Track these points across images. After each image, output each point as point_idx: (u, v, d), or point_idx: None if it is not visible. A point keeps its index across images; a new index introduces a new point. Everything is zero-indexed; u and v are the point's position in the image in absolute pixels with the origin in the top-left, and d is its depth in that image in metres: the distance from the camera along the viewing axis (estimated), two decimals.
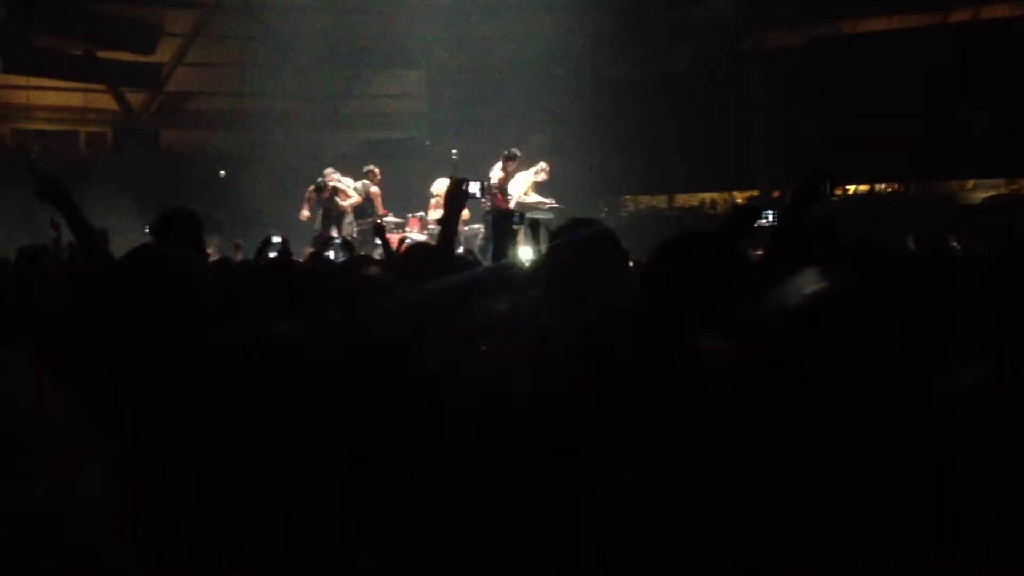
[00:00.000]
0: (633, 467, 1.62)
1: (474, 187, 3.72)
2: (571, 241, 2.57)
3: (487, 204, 10.42)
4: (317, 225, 11.82)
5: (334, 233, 11.45)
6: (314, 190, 11.80)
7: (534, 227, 4.86)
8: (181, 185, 12.63)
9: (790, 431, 1.42)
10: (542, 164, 10.92)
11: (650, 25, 14.39)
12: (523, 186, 10.94)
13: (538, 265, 3.32)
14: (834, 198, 13.20)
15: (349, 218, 11.95)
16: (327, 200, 11.72)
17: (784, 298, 1.42)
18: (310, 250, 9.81)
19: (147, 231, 3.86)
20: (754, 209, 3.45)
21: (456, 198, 3.45)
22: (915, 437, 1.42)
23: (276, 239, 5.04)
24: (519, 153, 10.72)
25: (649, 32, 14.48)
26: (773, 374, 1.43)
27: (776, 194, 13.32)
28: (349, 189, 11.92)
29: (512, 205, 10.53)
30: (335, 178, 11.82)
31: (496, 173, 10.75)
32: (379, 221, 11.74)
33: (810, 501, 1.40)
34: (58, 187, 3.25)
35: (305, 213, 11.94)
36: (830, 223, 2.97)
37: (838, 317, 1.36)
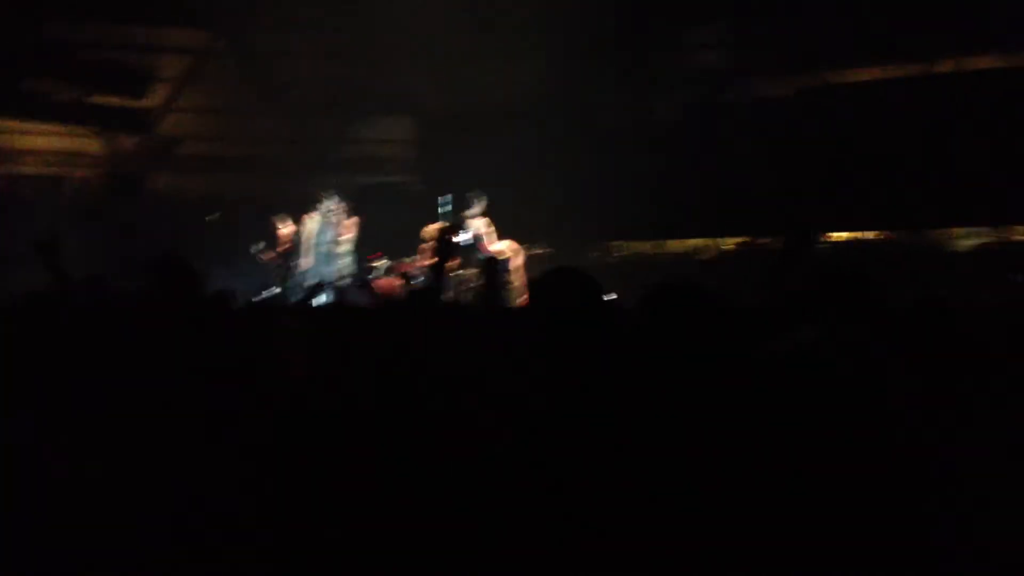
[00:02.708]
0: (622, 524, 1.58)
1: (463, 235, 3.72)
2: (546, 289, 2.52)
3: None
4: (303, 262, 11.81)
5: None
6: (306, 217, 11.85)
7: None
8: (170, 229, 12.59)
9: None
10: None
11: (638, 73, 14.54)
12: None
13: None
14: (820, 244, 13.22)
15: (348, 258, 12.01)
16: (334, 227, 11.78)
17: (782, 349, 1.40)
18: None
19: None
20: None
21: (445, 245, 3.45)
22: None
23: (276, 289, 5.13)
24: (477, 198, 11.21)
25: (637, 80, 14.62)
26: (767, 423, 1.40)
27: (764, 241, 13.36)
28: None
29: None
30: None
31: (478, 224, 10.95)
32: (369, 264, 11.80)
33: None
34: (54, 250, 3.41)
35: (271, 255, 12.01)
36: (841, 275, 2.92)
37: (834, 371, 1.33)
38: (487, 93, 15.60)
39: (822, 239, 12.87)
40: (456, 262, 10.79)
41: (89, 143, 16.44)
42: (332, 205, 11.93)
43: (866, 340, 1.31)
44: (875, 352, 1.31)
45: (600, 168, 13.77)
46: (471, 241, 10.69)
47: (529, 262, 11.87)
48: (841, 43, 13.72)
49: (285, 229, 12.62)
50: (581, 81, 14.53)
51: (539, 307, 2.47)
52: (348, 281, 11.63)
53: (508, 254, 11.20)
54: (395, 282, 9.43)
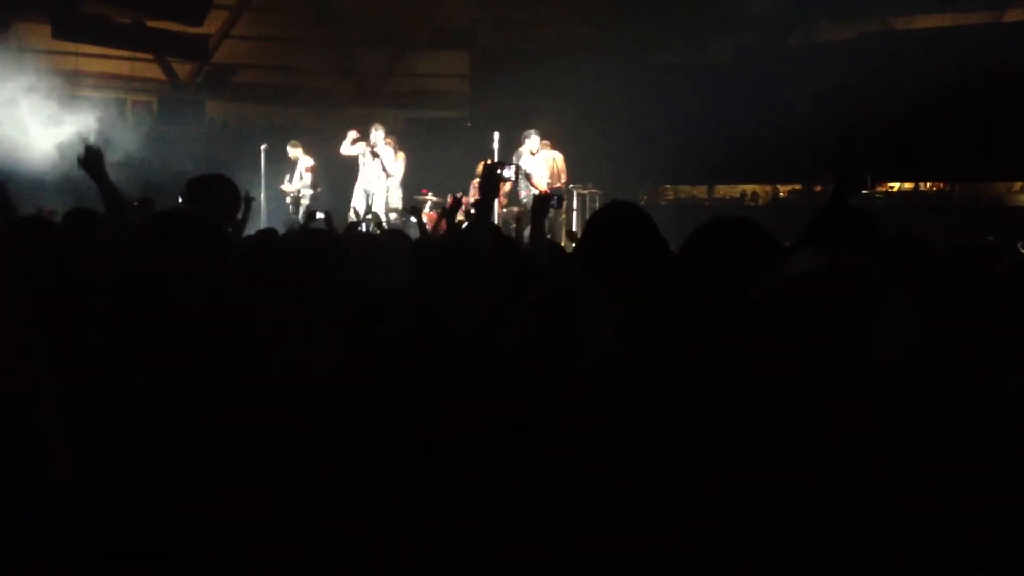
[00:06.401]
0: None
1: (508, 171, 3.75)
2: (609, 224, 2.55)
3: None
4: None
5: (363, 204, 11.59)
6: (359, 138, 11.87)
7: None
8: (224, 156, 12.73)
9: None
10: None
11: (697, 13, 14.26)
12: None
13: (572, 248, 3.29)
14: (878, 195, 12.98)
15: (399, 192, 12.00)
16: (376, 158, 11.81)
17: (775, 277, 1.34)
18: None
19: (180, 200, 3.92)
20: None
21: (490, 182, 3.49)
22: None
23: (320, 215, 5.22)
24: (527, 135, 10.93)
25: (696, 21, 14.34)
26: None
27: (818, 188, 13.19)
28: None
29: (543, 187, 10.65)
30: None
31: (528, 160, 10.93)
32: (416, 198, 11.85)
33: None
34: (99, 159, 3.45)
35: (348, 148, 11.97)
36: (869, 216, 2.94)
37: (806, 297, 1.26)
38: (541, 30, 15.46)
39: (875, 185, 12.65)
40: (503, 198, 10.80)
41: (147, 68, 16.62)
42: (378, 139, 11.94)
43: (867, 266, 1.26)
44: (876, 278, 1.25)
45: (653, 109, 13.60)
46: (515, 178, 10.67)
47: (579, 202, 11.87)
48: None
49: (293, 155, 12.72)
50: (638, 20, 14.30)
51: (597, 238, 2.50)
52: (396, 215, 11.71)
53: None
54: (435, 216, 9.46)
